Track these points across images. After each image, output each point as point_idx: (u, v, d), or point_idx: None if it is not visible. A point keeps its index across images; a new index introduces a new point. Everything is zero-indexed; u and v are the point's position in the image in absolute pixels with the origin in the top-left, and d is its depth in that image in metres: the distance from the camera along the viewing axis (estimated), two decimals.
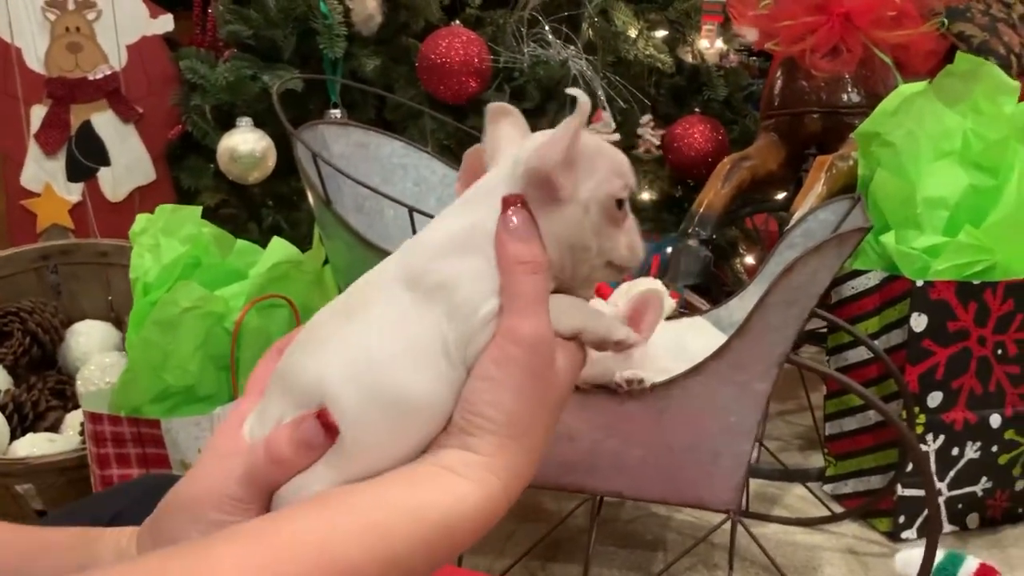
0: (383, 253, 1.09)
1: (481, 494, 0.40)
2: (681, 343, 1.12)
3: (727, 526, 1.11)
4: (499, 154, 0.46)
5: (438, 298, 0.41)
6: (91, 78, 1.74)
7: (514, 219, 0.41)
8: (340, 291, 1.30)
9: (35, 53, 1.71)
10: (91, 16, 1.73)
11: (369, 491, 0.39)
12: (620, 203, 0.43)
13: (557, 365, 0.42)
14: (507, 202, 0.41)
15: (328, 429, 0.40)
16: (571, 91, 0.42)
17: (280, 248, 1.22)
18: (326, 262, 1.31)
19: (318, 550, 0.36)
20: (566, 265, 0.43)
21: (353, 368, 0.40)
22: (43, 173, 1.74)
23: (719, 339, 1.08)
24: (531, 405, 0.41)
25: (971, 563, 1.15)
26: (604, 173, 0.43)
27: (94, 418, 1.11)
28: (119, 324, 1.62)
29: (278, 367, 0.43)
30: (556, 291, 0.43)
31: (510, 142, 0.46)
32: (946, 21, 1.70)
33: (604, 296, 1.19)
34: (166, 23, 1.79)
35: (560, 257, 0.43)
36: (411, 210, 1.07)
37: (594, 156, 0.43)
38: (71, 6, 1.72)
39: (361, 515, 0.38)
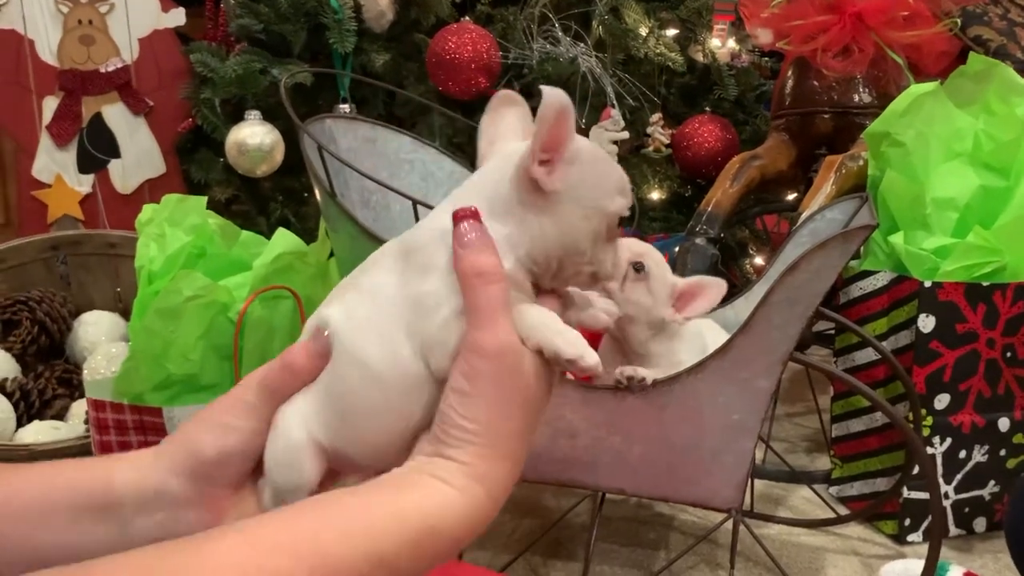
0: None
1: (466, 500, 0.41)
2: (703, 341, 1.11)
3: (730, 525, 1.10)
4: (498, 145, 0.47)
5: (413, 281, 0.43)
6: (103, 70, 1.75)
7: (468, 233, 0.42)
8: None
9: (48, 45, 1.72)
10: (104, 9, 1.74)
11: (356, 495, 0.41)
12: (621, 221, 0.46)
13: (525, 370, 0.42)
14: (457, 216, 0.42)
15: None
16: (543, 88, 0.42)
17: (285, 239, 1.22)
18: (331, 255, 1.31)
19: (305, 548, 0.37)
20: (552, 265, 0.44)
21: (343, 324, 0.44)
22: (54, 164, 1.75)
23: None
24: (503, 413, 0.42)
25: (956, 572, 1.14)
26: (611, 189, 0.45)
27: (97, 405, 1.11)
28: (127, 315, 1.63)
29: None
30: (534, 285, 0.45)
31: (511, 134, 0.47)
32: (959, 22, 1.69)
33: None
34: (178, 17, 1.80)
35: (548, 257, 0.44)
36: (415, 203, 1.07)
37: (602, 166, 0.45)
38: None
39: (348, 516, 0.39)
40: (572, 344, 0.42)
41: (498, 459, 0.42)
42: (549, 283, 0.45)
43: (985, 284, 1.33)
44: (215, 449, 0.45)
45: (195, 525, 0.45)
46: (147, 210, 1.22)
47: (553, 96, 0.42)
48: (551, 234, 0.44)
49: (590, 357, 0.42)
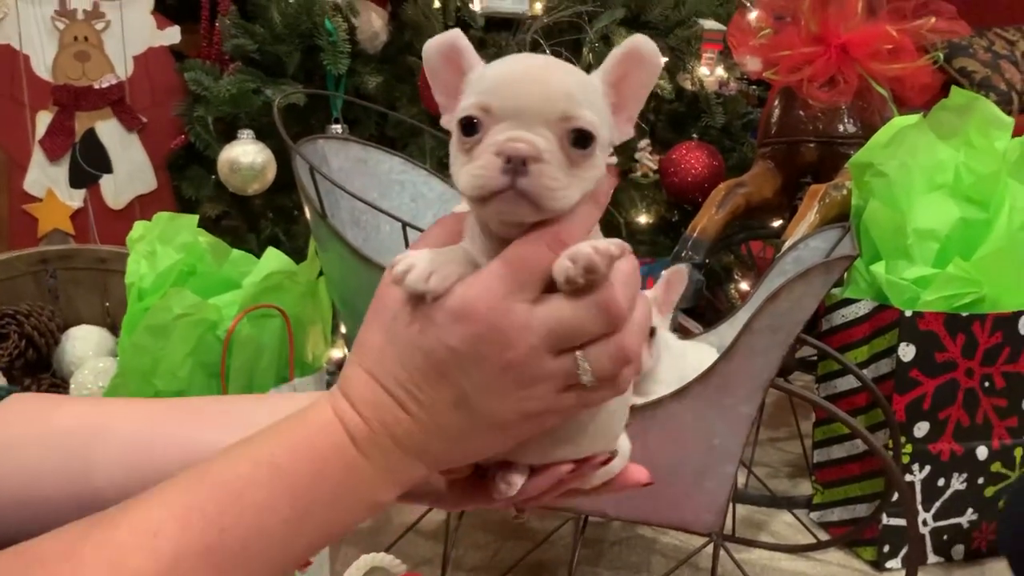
0: (376, 267, 1.11)
1: (321, 392, 0.46)
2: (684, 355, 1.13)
3: (710, 549, 1.11)
4: None
5: None
6: (97, 87, 1.76)
7: None
8: (334, 303, 1.31)
9: (43, 61, 1.73)
10: (99, 26, 1.76)
11: None
12: (467, 125, 0.41)
13: (386, 291, 0.44)
14: None
15: None
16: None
17: (274, 258, 1.23)
18: (320, 274, 1.32)
19: (186, 476, 0.42)
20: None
21: None
22: (46, 178, 1.76)
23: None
24: (364, 324, 0.45)
25: None
26: (465, 95, 0.43)
27: None
28: (115, 330, 1.63)
29: None
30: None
31: None
32: (941, 56, 1.72)
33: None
34: (173, 35, 1.81)
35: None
36: (404, 225, 1.08)
37: (478, 76, 0.43)
38: (80, 15, 1.74)
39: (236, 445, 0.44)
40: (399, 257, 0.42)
41: (352, 363, 0.44)
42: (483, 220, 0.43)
43: (964, 314, 1.36)
44: None
45: None
46: (138, 227, 1.23)
47: (430, 47, 0.43)
48: None
49: (402, 271, 0.41)
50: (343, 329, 1.27)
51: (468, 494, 0.49)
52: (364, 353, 0.44)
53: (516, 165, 0.39)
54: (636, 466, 0.52)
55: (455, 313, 0.40)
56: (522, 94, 0.40)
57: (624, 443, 0.51)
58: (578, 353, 0.41)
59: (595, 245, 0.40)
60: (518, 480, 0.46)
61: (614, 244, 0.41)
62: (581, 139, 0.40)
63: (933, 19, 1.69)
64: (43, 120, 1.75)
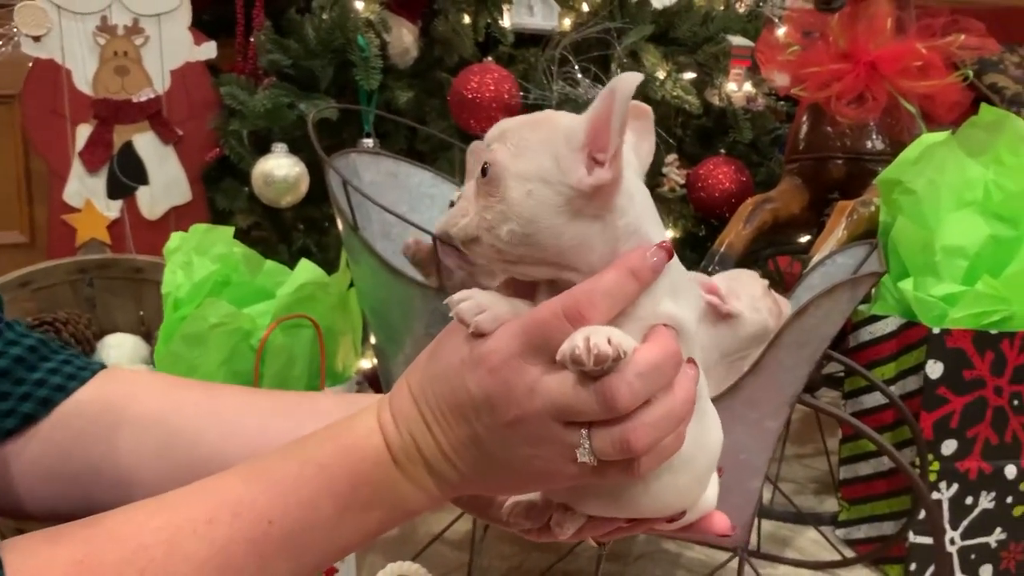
0: (407, 279, 1.13)
1: (360, 408, 0.49)
2: None
3: (735, 564, 1.12)
4: None
5: None
6: (135, 100, 1.80)
7: None
8: (364, 314, 1.33)
9: (84, 75, 1.77)
10: (139, 41, 1.80)
11: None
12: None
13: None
14: None
15: None
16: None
17: (307, 270, 1.25)
18: (351, 285, 1.34)
19: (244, 469, 0.46)
20: None
21: None
22: (85, 189, 1.80)
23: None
24: (430, 344, 0.47)
25: None
26: None
27: None
28: (149, 338, 1.66)
29: None
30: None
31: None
32: (970, 73, 1.72)
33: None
34: (209, 50, 1.85)
35: None
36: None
37: None
38: (120, 31, 1.78)
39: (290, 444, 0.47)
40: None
41: (403, 375, 0.47)
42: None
43: (993, 332, 1.35)
44: None
45: None
46: (175, 238, 1.26)
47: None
48: None
49: (459, 300, 0.43)
50: (372, 340, 1.29)
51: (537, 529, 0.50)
52: (413, 369, 0.47)
53: None
54: (720, 516, 0.51)
55: (476, 358, 0.42)
56: None
57: (707, 496, 0.49)
58: (583, 431, 0.41)
59: (610, 335, 0.39)
60: (570, 526, 0.47)
61: (661, 335, 0.42)
62: (484, 169, 0.42)
63: (963, 36, 1.69)
64: (83, 133, 1.79)
